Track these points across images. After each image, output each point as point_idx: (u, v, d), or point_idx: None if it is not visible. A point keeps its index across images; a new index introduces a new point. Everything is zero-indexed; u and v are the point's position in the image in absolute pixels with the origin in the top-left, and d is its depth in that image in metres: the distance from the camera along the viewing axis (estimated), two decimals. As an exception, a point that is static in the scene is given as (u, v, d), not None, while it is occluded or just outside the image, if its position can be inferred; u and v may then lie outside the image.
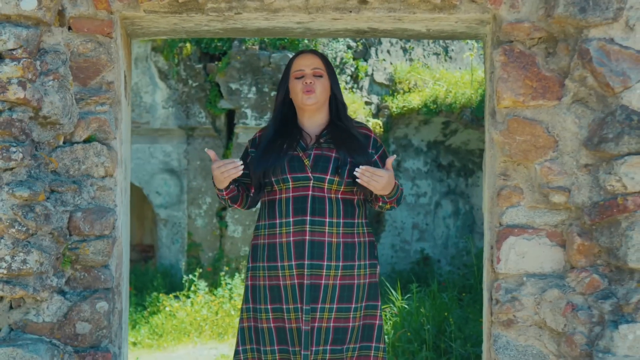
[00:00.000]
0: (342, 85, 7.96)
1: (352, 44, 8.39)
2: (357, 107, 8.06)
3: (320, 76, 3.13)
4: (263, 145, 3.18)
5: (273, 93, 7.69)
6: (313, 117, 3.18)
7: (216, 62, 7.92)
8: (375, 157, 3.17)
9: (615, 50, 2.69)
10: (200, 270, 7.63)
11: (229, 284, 7.39)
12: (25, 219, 2.67)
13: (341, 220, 3.08)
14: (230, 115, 7.99)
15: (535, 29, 2.83)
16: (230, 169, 3.00)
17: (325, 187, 3.07)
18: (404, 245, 8.80)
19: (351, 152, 3.09)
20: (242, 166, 3.02)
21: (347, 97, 7.95)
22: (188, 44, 7.83)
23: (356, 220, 3.13)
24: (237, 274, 7.52)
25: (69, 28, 2.90)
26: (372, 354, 3.12)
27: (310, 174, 3.07)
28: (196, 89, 7.92)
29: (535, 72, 2.84)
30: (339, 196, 3.09)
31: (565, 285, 2.82)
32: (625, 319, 2.67)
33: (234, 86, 7.71)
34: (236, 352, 3.21)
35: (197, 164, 8.03)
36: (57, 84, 2.78)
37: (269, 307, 3.09)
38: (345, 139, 3.13)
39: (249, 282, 3.19)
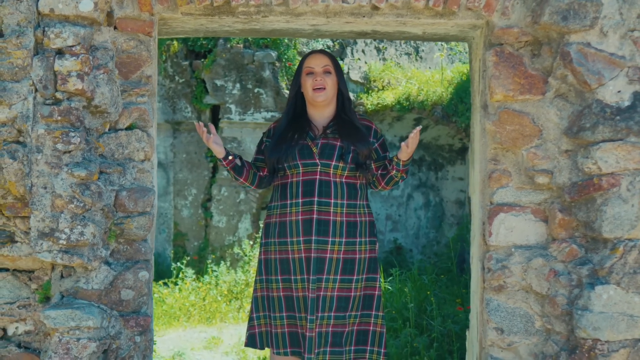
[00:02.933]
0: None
1: (330, 43, 8.80)
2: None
3: (330, 72, 3.54)
4: (277, 135, 3.59)
5: (257, 89, 8.04)
6: (322, 111, 3.59)
7: (202, 60, 8.24)
8: (376, 145, 3.60)
9: (592, 52, 3.14)
10: (188, 258, 7.96)
11: (215, 271, 7.73)
12: (83, 195, 3.02)
13: (345, 202, 3.49)
14: (215, 110, 8.32)
15: (523, 34, 3.27)
16: (203, 134, 3.48)
17: (331, 172, 3.48)
18: (379, 235, 9.26)
19: (354, 141, 3.51)
20: (202, 124, 3.50)
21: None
22: (175, 42, 8.14)
23: (358, 202, 3.54)
24: (222, 262, 7.86)
25: (115, 27, 3.25)
26: (372, 321, 3.54)
27: (317, 160, 3.48)
28: (182, 85, 8.24)
29: (523, 70, 3.28)
30: (343, 180, 3.50)
31: (548, 254, 3.27)
32: (600, 281, 3.13)
33: (219, 82, 8.04)
34: (250, 319, 3.61)
35: (183, 157, 8.34)
36: (106, 77, 3.13)
37: (279, 277, 3.50)
38: (349, 130, 3.55)
39: (262, 257, 3.59)
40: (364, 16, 3.32)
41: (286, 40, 8.27)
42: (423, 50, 10.16)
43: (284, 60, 8.11)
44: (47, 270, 3.21)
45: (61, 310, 3.01)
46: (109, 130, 3.24)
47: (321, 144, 3.51)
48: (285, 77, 8.07)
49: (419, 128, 3.38)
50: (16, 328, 3.25)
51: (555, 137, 3.25)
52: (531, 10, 3.22)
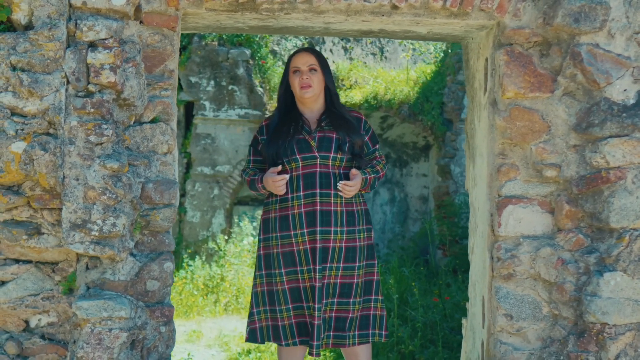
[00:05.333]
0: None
1: (299, 42, 8.89)
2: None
3: (315, 70, 3.67)
4: (271, 130, 3.70)
5: (230, 87, 8.09)
6: (311, 106, 3.73)
7: (176, 56, 8.24)
8: (366, 138, 3.74)
9: (600, 53, 3.33)
10: (163, 253, 7.94)
11: (191, 265, 7.75)
12: (115, 187, 3.05)
13: None
14: (189, 107, 8.33)
15: (533, 34, 3.43)
16: (279, 184, 3.53)
17: (330, 163, 3.61)
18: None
19: (349, 132, 3.66)
20: (280, 173, 3.57)
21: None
22: (149, 38, 8.11)
23: None
24: (197, 257, 7.88)
25: (140, 22, 3.28)
26: (373, 305, 3.68)
27: (316, 153, 3.60)
28: (156, 81, 8.21)
29: (532, 69, 3.45)
30: (341, 171, 3.65)
31: (555, 244, 3.44)
32: (608, 268, 3.32)
33: (193, 79, 8.06)
34: (251, 314, 3.69)
35: (156, 153, 8.32)
36: (134, 70, 3.16)
37: (282, 271, 3.59)
38: (342, 122, 3.70)
39: (262, 252, 3.68)
40: (383, 15, 3.43)
41: (257, 38, 8.34)
42: (388, 51, 10.35)
43: (257, 58, 8.17)
44: (72, 262, 3.23)
45: (93, 301, 3.04)
46: (134, 123, 3.28)
47: (318, 137, 3.64)
48: (259, 75, 8.14)
49: (357, 172, 3.64)
50: (39, 320, 3.26)
51: (564, 132, 3.43)
52: (542, 12, 3.39)
